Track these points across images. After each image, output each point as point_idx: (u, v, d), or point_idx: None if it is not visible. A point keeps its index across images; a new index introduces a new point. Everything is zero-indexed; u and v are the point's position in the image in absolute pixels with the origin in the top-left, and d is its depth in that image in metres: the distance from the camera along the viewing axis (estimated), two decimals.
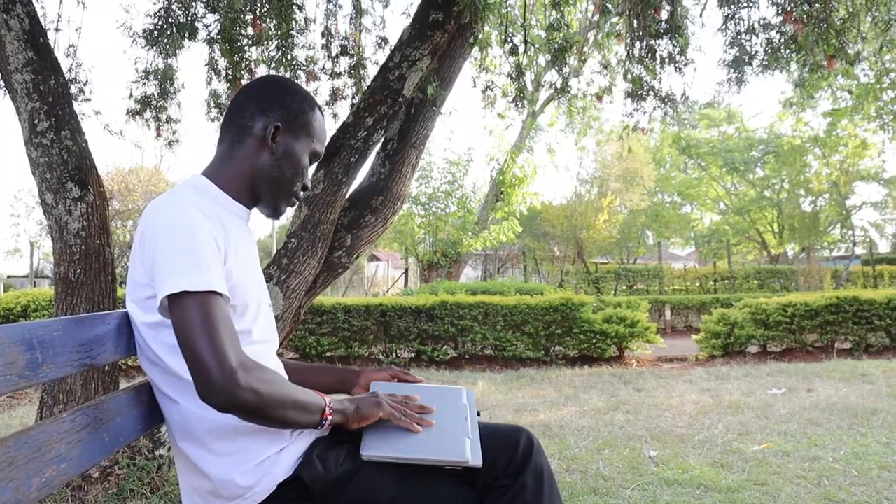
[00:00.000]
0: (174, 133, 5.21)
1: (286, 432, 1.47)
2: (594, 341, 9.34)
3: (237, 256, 1.47)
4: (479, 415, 1.66)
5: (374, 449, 1.46)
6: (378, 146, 4.00)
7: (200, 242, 1.35)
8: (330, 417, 1.44)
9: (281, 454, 1.45)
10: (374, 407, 1.52)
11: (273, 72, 5.08)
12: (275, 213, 1.64)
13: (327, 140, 1.66)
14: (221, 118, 1.73)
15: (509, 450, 1.53)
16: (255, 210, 1.66)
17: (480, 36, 3.97)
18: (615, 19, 5.01)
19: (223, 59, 4.80)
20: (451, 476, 1.50)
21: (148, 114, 4.99)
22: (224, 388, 1.24)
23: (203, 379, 1.25)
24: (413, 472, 1.47)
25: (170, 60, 4.77)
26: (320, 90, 5.34)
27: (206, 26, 4.65)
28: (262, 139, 1.55)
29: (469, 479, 1.52)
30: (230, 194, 1.56)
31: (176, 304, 1.29)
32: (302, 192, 1.64)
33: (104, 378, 3.55)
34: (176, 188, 1.53)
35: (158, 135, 5.11)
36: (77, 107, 3.68)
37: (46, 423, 1.19)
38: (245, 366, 1.27)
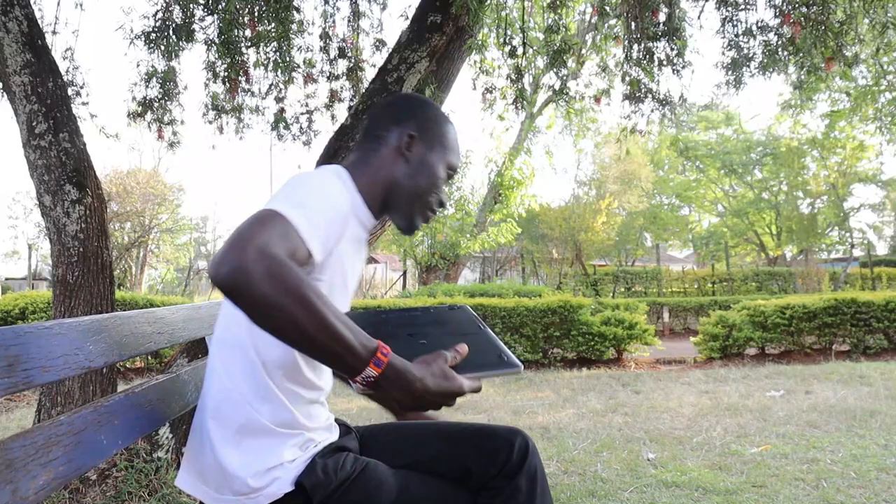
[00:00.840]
0: (175, 134, 5.22)
1: (311, 443, 1.45)
2: (592, 343, 9.33)
3: (342, 255, 1.42)
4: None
5: None
6: None
7: (327, 205, 1.32)
8: (378, 373, 1.16)
9: (294, 462, 1.42)
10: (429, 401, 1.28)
11: (271, 73, 5.09)
12: (409, 227, 1.57)
13: (459, 155, 1.62)
14: (361, 133, 1.68)
15: (504, 451, 1.52)
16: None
17: (478, 38, 3.96)
18: (613, 21, 5.01)
19: (221, 61, 4.80)
20: (447, 477, 1.50)
21: (149, 116, 4.99)
22: (236, 253, 1.08)
23: (224, 246, 1.11)
24: (412, 474, 1.47)
25: (172, 63, 4.78)
26: (318, 92, 5.33)
27: (204, 28, 4.66)
28: (396, 148, 1.53)
29: (463, 478, 1.52)
30: (364, 198, 1.51)
31: (262, 212, 1.20)
32: (438, 208, 1.59)
33: (102, 380, 3.54)
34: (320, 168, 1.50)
35: (160, 137, 5.12)
36: (75, 109, 3.68)
37: (44, 426, 1.19)
38: (268, 247, 1.10)
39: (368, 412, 6.10)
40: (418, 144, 1.54)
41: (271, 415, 1.39)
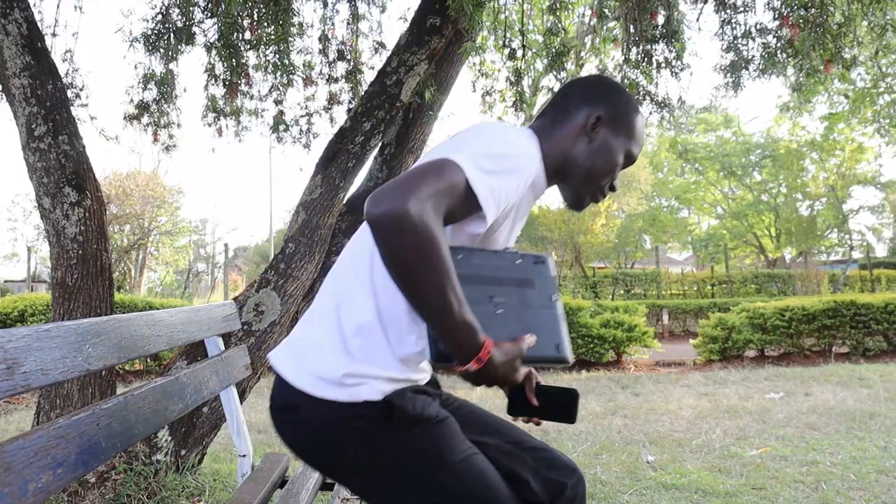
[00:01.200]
0: (171, 138, 5.21)
1: (408, 381, 1.44)
2: (592, 346, 9.33)
3: (515, 207, 1.45)
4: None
5: None
6: (375, 151, 4.01)
7: (515, 165, 1.34)
8: (476, 368, 1.26)
9: (389, 382, 1.40)
10: (501, 384, 1.40)
11: (270, 76, 5.09)
12: (577, 205, 1.60)
13: (641, 146, 1.64)
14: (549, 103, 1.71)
15: (559, 484, 1.53)
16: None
17: (476, 41, 3.97)
18: (612, 24, 5.01)
19: (221, 63, 4.80)
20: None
21: (146, 118, 4.99)
22: (397, 198, 1.14)
23: (383, 187, 1.18)
24: (478, 451, 1.46)
25: (170, 66, 4.78)
26: (317, 95, 5.33)
27: (204, 31, 4.66)
28: (582, 126, 1.54)
29: (513, 482, 1.50)
30: (544, 162, 1.53)
31: (443, 160, 1.24)
32: (608, 192, 1.60)
33: (101, 383, 3.54)
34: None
35: (156, 139, 5.11)
36: (74, 112, 3.67)
37: (43, 428, 1.19)
38: (424, 208, 1.14)
39: None
40: (604, 127, 1.55)
41: (394, 336, 1.39)
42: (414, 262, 1.15)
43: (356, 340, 1.37)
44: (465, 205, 1.25)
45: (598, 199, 1.60)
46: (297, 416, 1.40)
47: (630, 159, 1.60)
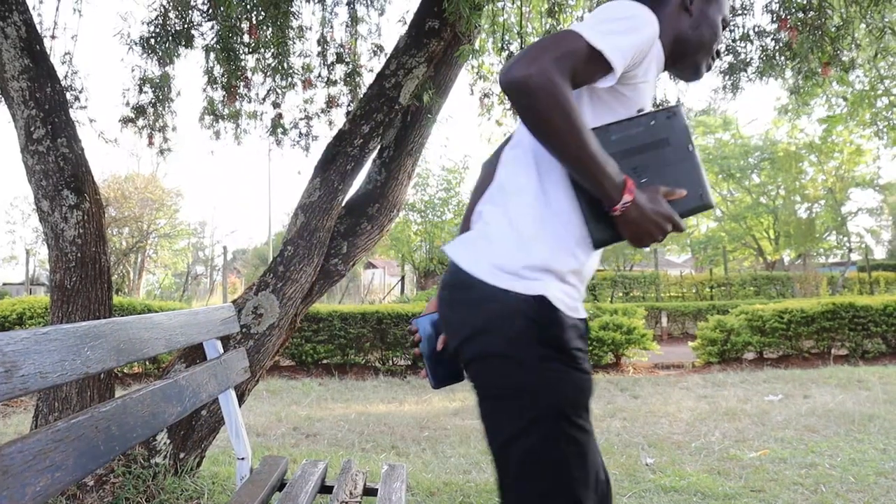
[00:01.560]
0: (166, 141, 5.21)
1: (580, 278, 1.51)
2: (591, 348, 9.32)
3: (645, 75, 1.54)
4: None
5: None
6: (374, 154, 4.00)
7: (634, 25, 1.43)
8: (629, 198, 1.38)
9: (560, 287, 1.45)
10: (653, 230, 1.45)
11: (269, 80, 5.09)
12: (696, 74, 1.72)
13: (731, 6, 1.76)
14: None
15: (606, 483, 1.52)
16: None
17: (475, 44, 3.97)
18: None
19: (219, 66, 4.80)
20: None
21: (141, 122, 4.98)
22: (523, 64, 1.28)
23: (513, 58, 1.32)
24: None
25: (166, 68, 4.77)
26: (316, 98, 5.32)
27: (203, 34, 4.66)
28: (681, 4, 1.64)
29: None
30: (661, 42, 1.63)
31: (562, 32, 1.37)
32: (718, 57, 1.73)
33: (100, 386, 3.53)
34: None
35: (150, 143, 5.11)
36: (73, 114, 3.67)
37: (41, 431, 1.19)
38: (550, 71, 1.29)
39: (366, 416, 6.09)
40: (700, 1, 1.66)
41: (562, 228, 1.46)
42: (547, 113, 1.29)
43: (531, 234, 1.44)
44: (589, 64, 1.37)
45: (710, 66, 1.73)
46: (468, 294, 1.47)
47: (726, 22, 1.72)
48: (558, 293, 1.43)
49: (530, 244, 1.43)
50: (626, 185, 1.38)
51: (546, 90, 1.28)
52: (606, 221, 1.43)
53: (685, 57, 1.67)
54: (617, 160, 1.41)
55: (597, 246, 1.47)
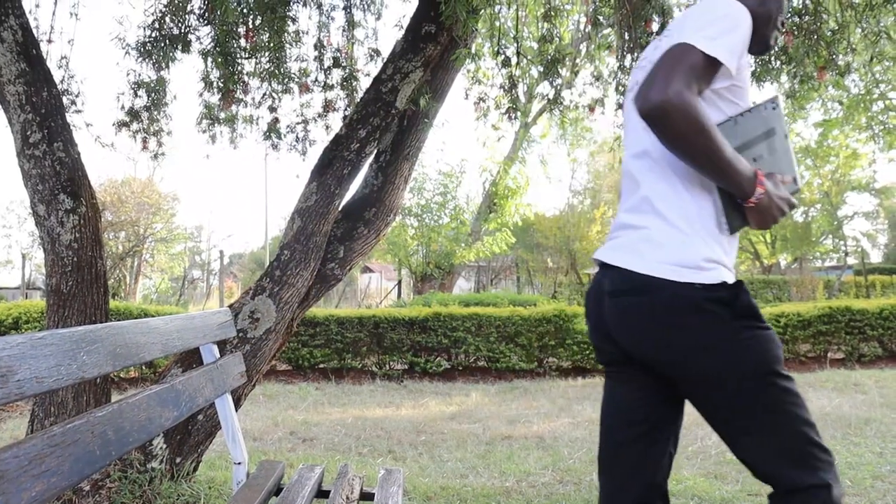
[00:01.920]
0: (161, 146, 5.20)
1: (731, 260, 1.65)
2: (588, 352, 9.33)
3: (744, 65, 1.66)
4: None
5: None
6: (371, 158, 4.01)
7: (736, 24, 1.56)
8: (762, 190, 1.56)
9: (727, 268, 1.62)
10: (777, 214, 1.63)
11: (265, 84, 5.09)
12: (767, 48, 1.85)
13: None
14: None
15: None
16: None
17: (471, 48, 3.97)
18: (607, 31, 5.03)
19: (216, 71, 4.80)
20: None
21: (135, 125, 4.98)
22: (657, 91, 1.44)
23: (645, 85, 1.48)
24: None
25: (162, 73, 4.77)
26: (313, 102, 5.33)
27: (199, 38, 4.66)
28: None
29: None
30: None
31: (677, 47, 1.51)
32: (780, 29, 1.86)
33: (96, 390, 3.53)
34: None
35: (144, 147, 5.10)
36: (69, 118, 3.67)
37: (37, 436, 1.19)
38: (683, 93, 1.43)
39: (363, 421, 6.08)
40: None
41: (709, 220, 1.61)
42: (688, 135, 1.45)
43: (693, 232, 1.59)
44: (707, 71, 1.52)
45: (777, 39, 1.87)
46: (644, 297, 1.58)
47: None
48: (729, 275, 1.59)
49: (695, 240, 1.57)
50: (757, 178, 1.55)
51: (683, 112, 1.42)
52: (739, 210, 1.61)
53: (755, 32, 1.75)
54: (740, 152, 1.58)
55: (732, 233, 1.63)
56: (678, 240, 1.58)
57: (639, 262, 1.59)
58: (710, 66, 1.52)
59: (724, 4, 1.59)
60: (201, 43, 4.68)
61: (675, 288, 1.54)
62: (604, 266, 1.71)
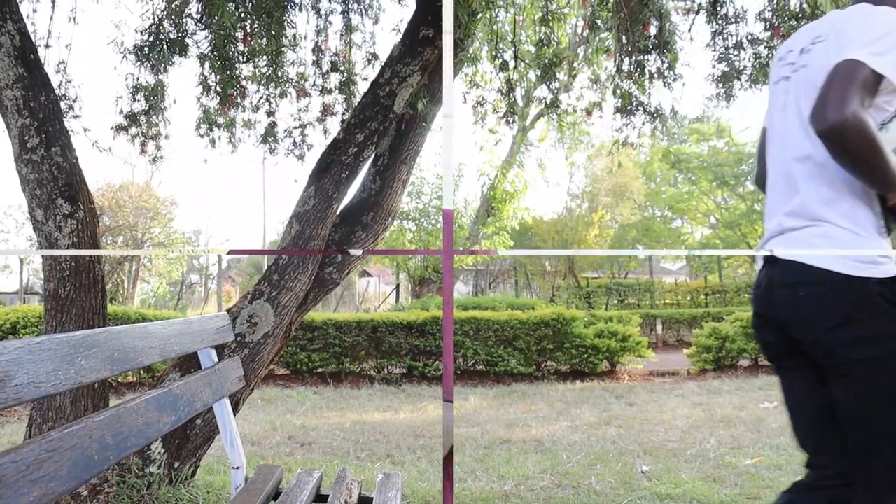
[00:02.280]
0: (159, 149, 5.20)
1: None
2: (586, 356, 9.33)
3: None
4: None
5: None
6: (369, 162, 4.01)
7: (895, 37, 1.60)
8: None
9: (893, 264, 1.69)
10: None
11: (262, 88, 5.10)
12: None
13: None
14: None
15: None
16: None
17: (470, 51, 3.98)
18: (604, 35, 5.04)
19: (214, 75, 4.80)
20: None
21: (134, 130, 4.98)
22: (834, 111, 1.51)
23: (820, 103, 1.55)
24: None
25: (160, 77, 4.77)
26: (311, 106, 5.33)
27: (197, 43, 4.66)
28: None
29: None
30: None
31: (846, 63, 1.57)
32: None
33: (94, 395, 3.52)
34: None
35: (143, 151, 5.10)
36: (67, 123, 3.67)
37: (35, 441, 1.18)
38: (858, 112, 1.50)
39: (361, 425, 6.07)
40: None
41: (873, 220, 1.70)
42: (862, 153, 1.53)
43: (864, 232, 1.67)
44: (875, 86, 1.58)
45: None
46: (821, 288, 1.67)
47: None
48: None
49: (868, 239, 1.66)
50: None
51: (859, 132, 1.50)
52: (893, 214, 1.71)
53: None
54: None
55: (888, 234, 1.72)
56: (852, 237, 1.66)
57: (815, 257, 1.69)
58: (877, 82, 1.58)
59: (889, 18, 1.63)
60: (199, 47, 4.68)
61: (852, 281, 1.63)
62: (772, 261, 1.82)
